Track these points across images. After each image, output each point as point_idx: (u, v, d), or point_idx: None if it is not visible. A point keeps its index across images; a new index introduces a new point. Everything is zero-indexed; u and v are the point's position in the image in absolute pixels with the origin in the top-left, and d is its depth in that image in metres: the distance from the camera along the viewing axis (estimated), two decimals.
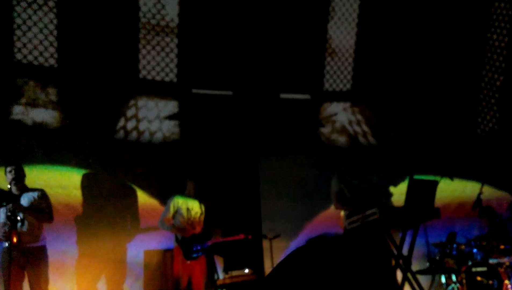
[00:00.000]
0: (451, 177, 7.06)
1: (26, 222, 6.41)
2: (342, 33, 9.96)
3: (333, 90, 10.02)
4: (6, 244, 6.24)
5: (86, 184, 8.11)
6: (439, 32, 10.13)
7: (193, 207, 7.45)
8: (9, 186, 6.52)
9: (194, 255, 7.16)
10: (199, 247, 7.20)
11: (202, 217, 7.51)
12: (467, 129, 10.21)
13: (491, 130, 10.19)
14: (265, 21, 9.44)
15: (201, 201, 7.62)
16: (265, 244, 8.31)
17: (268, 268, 8.36)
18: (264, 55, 9.44)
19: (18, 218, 6.26)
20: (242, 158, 9.18)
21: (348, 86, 10.08)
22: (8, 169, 6.59)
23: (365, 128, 10.04)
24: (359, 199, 6.53)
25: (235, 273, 7.43)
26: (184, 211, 7.35)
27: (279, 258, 7.94)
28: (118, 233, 8.09)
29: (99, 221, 8.00)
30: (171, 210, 7.35)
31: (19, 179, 6.61)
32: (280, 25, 9.52)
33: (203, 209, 7.58)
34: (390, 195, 8.67)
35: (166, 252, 8.04)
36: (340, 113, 9.97)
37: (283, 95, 9.79)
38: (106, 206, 8.16)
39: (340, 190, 6.62)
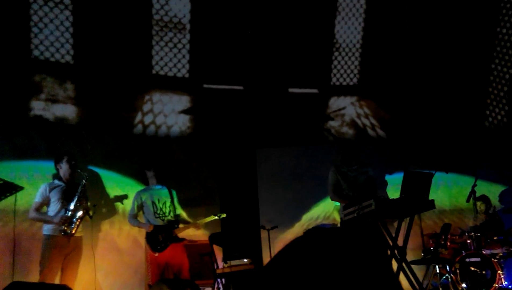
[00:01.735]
0: (447, 170, 7.16)
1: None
2: (349, 28, 10.04)
3: (340, 84, 10.10)
4: (49, 232, 6.41)
5: None
6: (447, 25, 10.09)
7: (159, 199, 7.34)
8: (63, 176, 6.65)
9: (161, 247, 7.07)
10: (165, 239, 7.10)
11: (172, 207, 7.39)
12: (474, 121, 10.17)
13: (499, 122, 10.13)
14: (274, 18, 9.57)
15: (169, 187, 7.48)
16: (263, 234, 8.37)
17: (266, 258, 8.48)
18: (273, 51, 9.57)
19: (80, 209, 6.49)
20: (247, 151, 9.37)
21: (355, 80, 10.15)
22: (65, 159, 6.67)
23: (373, 121, 10.09)
24: (355, 191, 6.69)
25: (234, 262, 7.35)
26: (150, 206, 7.27)
27: (276, 248, 8.07)
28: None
29: None
30: (135, 207, 7.28)
31: (74, 170, 6.73)
32: (288, 21, 9.65)
33: (174, 194, 7.46)
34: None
35: None
36: (348, 107, 10.05)
37: (291, 90, 9.93)
38: None
39: (337, 182, 6.78)
